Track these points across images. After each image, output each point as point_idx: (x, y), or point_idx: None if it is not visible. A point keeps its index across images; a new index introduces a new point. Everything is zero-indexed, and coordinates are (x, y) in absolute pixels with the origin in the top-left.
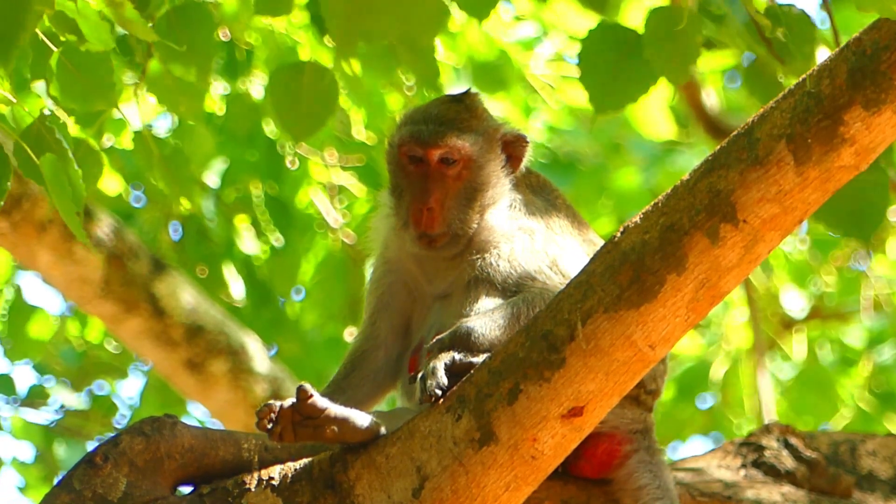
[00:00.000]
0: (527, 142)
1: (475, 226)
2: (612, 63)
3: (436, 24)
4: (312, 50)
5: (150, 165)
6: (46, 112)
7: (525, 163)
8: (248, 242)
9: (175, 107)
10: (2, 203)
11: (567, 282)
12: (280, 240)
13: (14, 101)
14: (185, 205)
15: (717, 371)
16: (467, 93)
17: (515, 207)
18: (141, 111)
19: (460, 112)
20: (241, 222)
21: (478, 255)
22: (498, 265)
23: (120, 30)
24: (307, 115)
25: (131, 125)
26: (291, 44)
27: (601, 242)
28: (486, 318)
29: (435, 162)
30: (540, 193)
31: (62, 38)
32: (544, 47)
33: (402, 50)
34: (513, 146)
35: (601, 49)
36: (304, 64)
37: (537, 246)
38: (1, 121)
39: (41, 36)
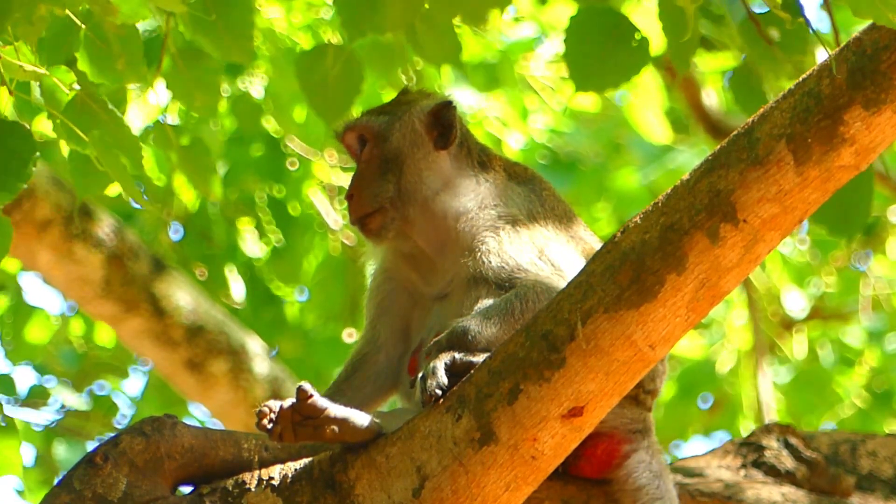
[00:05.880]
0: (451, 105)
1: (393, 195)
2: (600, 45)
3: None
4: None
5: (169, 156)
6: (75, 87)
7: (459, 127)
8: (250, 244)
9: (190, 102)
10: (26, 185)
11: (556, 271)
12: (281, 240)
13: (45, 72)
14: (215, 193)
15: (718, 371)
16: (402, 89)
17: (491, 193)
18: (159, 102)
19: (384, 104)
20: (244, 224)
21: (467, 251)
22: (490, 261)
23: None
24: (334, 97)
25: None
26: (291, 44)
27: (590, 237)
28: (481, 315)
29: (354, 150)
30: (526, 184)
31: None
32: (544, 48)
33: (423, 29)
34: (441, 115)
35: (590, 29)
36: (327, 47)
37: (523, 237)
38: (27, 94)
39: (69, 13)
